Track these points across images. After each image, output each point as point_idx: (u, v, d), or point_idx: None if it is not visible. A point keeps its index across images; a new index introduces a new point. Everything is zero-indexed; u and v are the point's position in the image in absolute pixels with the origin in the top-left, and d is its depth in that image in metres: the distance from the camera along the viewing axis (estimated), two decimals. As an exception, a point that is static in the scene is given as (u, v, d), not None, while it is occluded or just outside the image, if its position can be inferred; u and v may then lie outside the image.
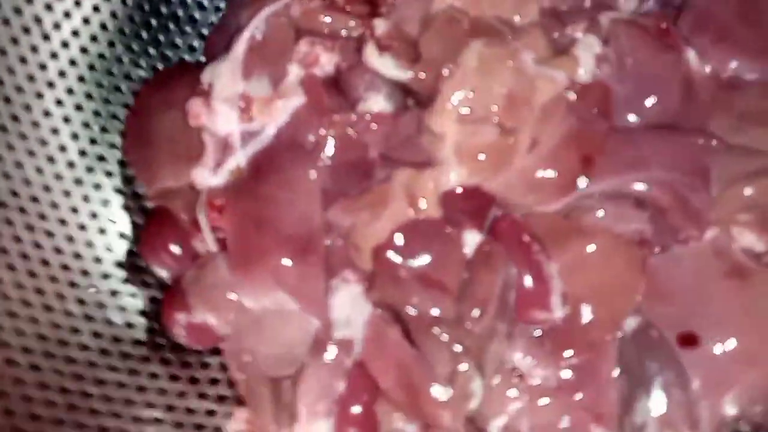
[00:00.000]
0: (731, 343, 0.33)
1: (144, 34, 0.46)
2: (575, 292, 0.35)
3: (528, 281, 0.35)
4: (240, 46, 0.42)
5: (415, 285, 0.34)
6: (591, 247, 0.35)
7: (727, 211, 0.33)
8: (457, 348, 0.34)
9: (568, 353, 0.35)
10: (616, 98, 0.35)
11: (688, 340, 0.34)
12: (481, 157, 0.35)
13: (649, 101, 0.35)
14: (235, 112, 0.41)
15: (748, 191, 0.33)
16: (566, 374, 0.35)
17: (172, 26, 0.48)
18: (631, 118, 0.35)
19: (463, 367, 0.34)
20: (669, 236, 0.34)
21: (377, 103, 0.39)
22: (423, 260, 0.34)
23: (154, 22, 0.47)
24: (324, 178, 0.38)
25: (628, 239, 0.35)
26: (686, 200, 0.33)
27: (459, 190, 0.35)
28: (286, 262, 0.36)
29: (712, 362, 0.33)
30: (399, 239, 0.35)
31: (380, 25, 0.40)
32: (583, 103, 0.35)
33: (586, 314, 0.35)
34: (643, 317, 0.35)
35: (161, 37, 0.47)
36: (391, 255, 0.35)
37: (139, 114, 0.45)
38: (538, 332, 0.35)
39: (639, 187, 0.33)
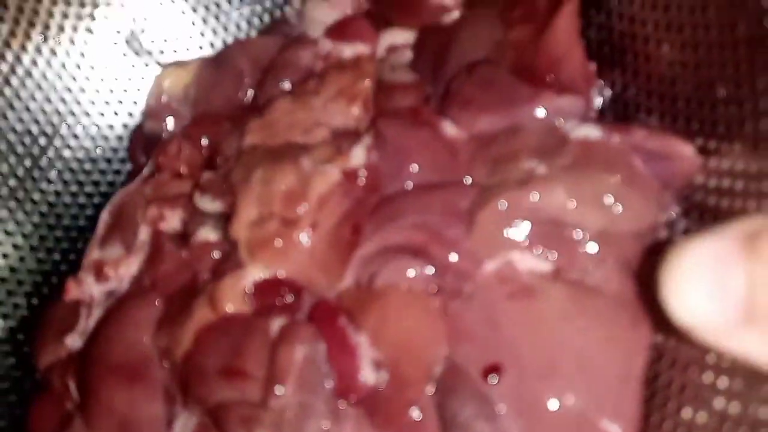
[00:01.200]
0: (529, 362, 0.33)
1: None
2: (386, 355, 0.36)
3: (335, 353, 0.36)
4: (100, 226, 0.48)
5: (219, 380, 0.36)
6: (388, 308, 0.36)
7: (492, 234, 0.35)
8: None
9: (391, 421, 0.35)
10: (384, 174, 0.39)
11: (491, 371, 0.33)
12: (268, 248, 0.38)
13: (412, 168, 0.39)
14: (92, 277, 0.46)
15: (501, 205, 0.34)
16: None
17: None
18: (399, 186, 0.38)
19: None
20: (456, 279, 0.36)
21: (205, 234, 0.44)
22: (223, 354, 0.36)
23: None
24: (158, 309, 0.41)
25: (420, 291, 0.36)
26: (439, 234, 0.35)
27: (264, 284, 0.38)
28: (115, 391, 0.38)
29: (517, 386, 0.33)
30: (200, 342, 0.37)
31: (204, 175, 0.46)
32: (355, 186, 0.39)
33: (401, 374, 0.35)
34: (449, 363, 0.35)
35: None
36: (193, 358, 0.37)
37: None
38: (361, 406, 0.36)
39: (397, 234, 0.36)
